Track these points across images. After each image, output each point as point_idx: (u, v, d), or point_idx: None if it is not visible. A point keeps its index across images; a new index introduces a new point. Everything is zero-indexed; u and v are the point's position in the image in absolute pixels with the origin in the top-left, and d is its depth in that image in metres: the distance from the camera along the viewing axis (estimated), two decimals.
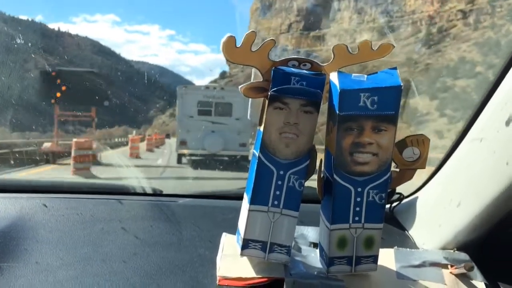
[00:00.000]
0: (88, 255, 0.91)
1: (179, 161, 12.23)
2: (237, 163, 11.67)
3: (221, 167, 10.87)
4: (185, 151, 12.08)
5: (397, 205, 1.18)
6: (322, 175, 0.83)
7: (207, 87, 13.12)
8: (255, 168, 0.80)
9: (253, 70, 0.81)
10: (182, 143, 12.08)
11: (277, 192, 0.80)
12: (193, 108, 12.34)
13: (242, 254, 0.83)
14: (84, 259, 0.89)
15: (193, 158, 12.18)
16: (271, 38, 0.76)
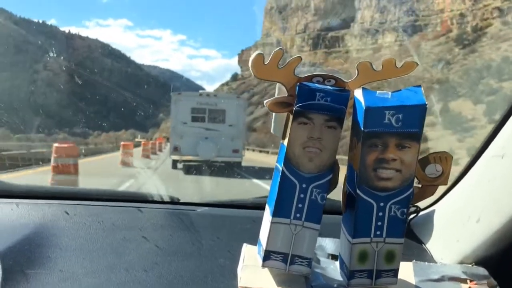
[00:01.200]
0: (112, 263, 0.93)
1: (173, 166, 12.30)
2: (229, 169, 11.76)
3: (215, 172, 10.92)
4: (178, 157, 12.16)
5: (413, 217, 1.19)
6: (345, 190, 0.84)
7: (200, 94, 13.20)
8: (278, 181, 0.81)
9: (278, 85, 0.82)
10: (176, 149, 12.19)
11: (300, 205, 0.82)
12: (187, 114, 12.46)
13: (263, 266, 0.85)
14: (107, 268, 0.91)
15: (187, 164, 12.23)
16: (298, 55, 0.77)
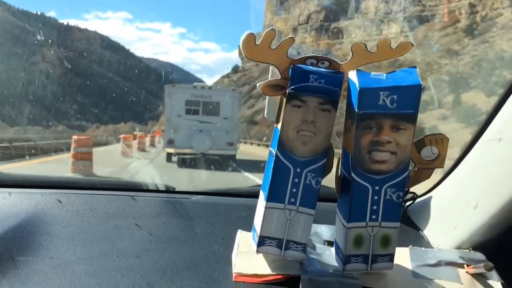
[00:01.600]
0: (104, 250, 0.92)
1: (168, 159, 12.28)
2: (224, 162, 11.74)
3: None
4: (173, 150, 12.13)
5: (410, 204, 1.18)
6: (339, 173, 0.83)
7: (195, 86, 13.12)
8: (272, 165, 0.80)
9: (271, 67, 0.81)
10: (170, 142, 12.15)
11: (294, 190, 0.80)
12: (181, 107, 12.38)
13: (258, 251, 0.84)
14: (100, 255, 0.90)
15: (182, 156, 12.20)
16: (290, 36, 0.76)
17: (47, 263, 0.85)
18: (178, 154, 12.24)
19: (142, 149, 16.74)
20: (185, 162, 11.61)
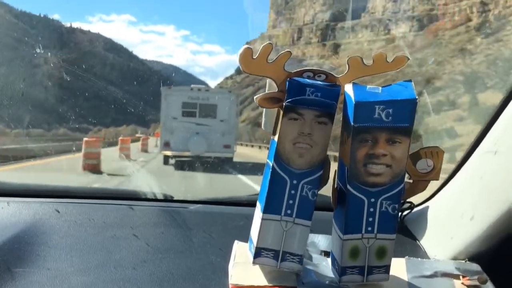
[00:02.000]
0: (101, 261, 0.92)
1: (165, 162, 12.22)
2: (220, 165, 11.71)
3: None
4: (169, 153, 12.07)
5: (407, 214, 1.18)
6: (335, 185, 0.84)
7: (191, 88, 13.03)
8: (269, 177, 0.80)
9: (268, 80, 0.82)
10: (166, 144, 12.06)
11: (290, 201, 0.81)
12: (177, 109, 12.31)
13: (254, 263, 0.84)
14: (97, 266, 0.90)
15: (178, 159, 12.15)
16: (288, 50, 0.77)
17: (44, 274, 0.85)
18: (175, 156, 12.18)
19: (145, 150, 16.84)
20: (182, 165, 11.56)
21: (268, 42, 0.75)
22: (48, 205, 1.15)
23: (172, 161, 12.26)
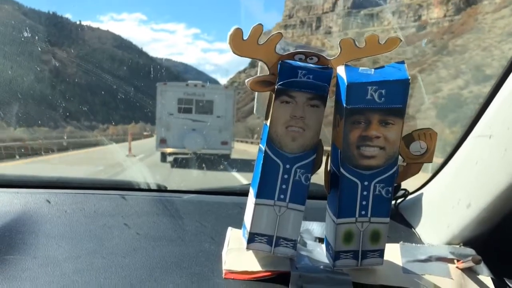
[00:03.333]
0: (93, 249, 0.91)
1: (162, 159, 12.17)
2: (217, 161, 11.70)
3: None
4: (165, 150, 12.00)
5: (402, 201, 1.18)
6: (328, 169, 0.83)
7: (187, 84, 12.94)
8: (261, 162, 0.79)
9: (260, 63, 0.81)
10: (162, 141, 11.97)
11: (283, 186, 0.80)
12: (173, 105, 12.20)
13: (248, 248, 0.83)
14: (89, 253, 0.89)
15: (175, 156, 12.11)
16: (278, 31, 0.76)
17: (35, 262, 0.84)
18: (172, 153, 12.12)
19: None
20: (178, 162, 11.54)
21: (258, 23, 0.74)
22: (39, 195, 1.14)
23: (169, 158, 12.20)
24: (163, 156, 12.16)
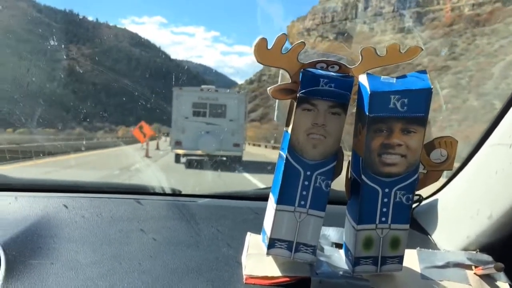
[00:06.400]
0: (114, 253, 0.92)
1: (176, 160, 12.44)
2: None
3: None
4: (180, 151, 12.25)
5: (416, 206, 1.19)
6: (349, 176, 0.84)
7: (201, 89, 13.29)
8: (282, 168, 0.81)
9: (281, 71, 0.82)
10: (177, 143, 12.33)
11: (304, 193, 0.81)
12: (188, 109, 12.57)
13: (268, 253, 0.84)
14: (110, 258, 0.90)
15: (189, 158, 12.36)
16: (301, 41, 0.77)
17: (59, 266, 0.85)
18: (186, 155, 12.38)
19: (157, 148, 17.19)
20: (192, 164, 11.75)
21: (282, 33, 0.76)
22: (56, 199, 1.15)
23: (183, 159, 12.45)
24: (177, 157, 12.40)
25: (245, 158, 13.11)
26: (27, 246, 0.92)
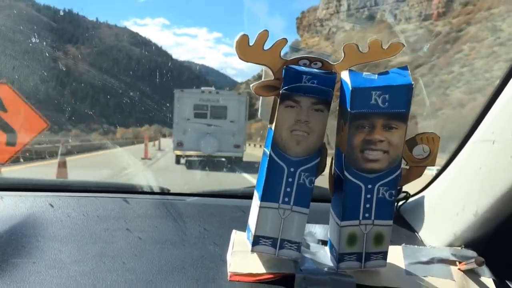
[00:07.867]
0: (98, 252, 0.92)
1: (177, 161, 12.53)
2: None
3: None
4: (181, 152, 12.33)
5: (403, 203, 1.19)
6: (332, 173, 0.84)
7: (203, 91, 13.41)
8: (266, 165, 0.81)
9: (264, 68, 0.82)
10: (179, 144, 12.43)
11: (288, 189, 0.81)
12: (189, 111, 12.69)
13: (252, 251, 0.84)
14: (94, 256, 0.90)
15: (189, 159, 12.44)
16: (283, 37, 0.77)
17: (42, 265, 0.85)
18: (186, 156, 12.44)
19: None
20: (194, 164, 11.83)
21: (264, 29, 0.76)
22: (42, 199, 1.15)
23: (182, 160, 12.52)
24: (178, 158, 12.46)
25: (245, 158, 13.19)
26: (11, 245, 0.91)
